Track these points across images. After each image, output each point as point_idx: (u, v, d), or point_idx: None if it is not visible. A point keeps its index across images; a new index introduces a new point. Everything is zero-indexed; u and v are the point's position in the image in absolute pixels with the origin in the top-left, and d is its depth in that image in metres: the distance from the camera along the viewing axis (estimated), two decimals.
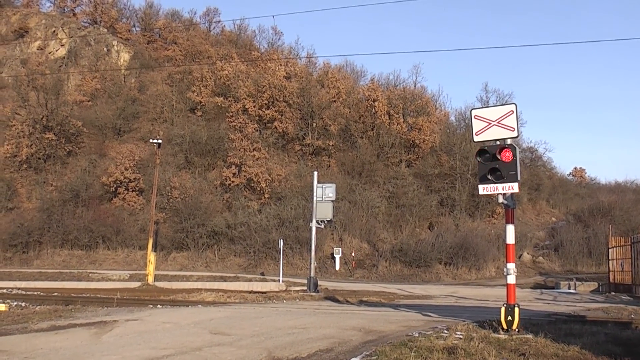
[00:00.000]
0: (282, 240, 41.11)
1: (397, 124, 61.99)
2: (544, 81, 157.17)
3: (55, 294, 31.19)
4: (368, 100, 64.63)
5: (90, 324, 15.58)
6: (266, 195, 55.02)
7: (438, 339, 11.99)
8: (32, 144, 58.45)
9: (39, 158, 59.09)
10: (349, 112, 64.44)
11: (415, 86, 71.34)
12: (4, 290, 33.42)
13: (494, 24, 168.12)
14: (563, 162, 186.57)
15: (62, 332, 14.18)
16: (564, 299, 29.50)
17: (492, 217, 56.13)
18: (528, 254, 50.62)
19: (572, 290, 36.38)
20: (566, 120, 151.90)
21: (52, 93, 62.51)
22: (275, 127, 61.78)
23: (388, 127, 61.75)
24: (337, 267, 48.58)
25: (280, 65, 69.58)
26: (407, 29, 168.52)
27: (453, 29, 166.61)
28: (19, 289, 35.93)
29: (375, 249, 50.45)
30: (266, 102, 62.63)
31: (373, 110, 62.73)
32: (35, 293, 31.43)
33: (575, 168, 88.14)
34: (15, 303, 23.25)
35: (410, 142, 61.73)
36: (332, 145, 60.98)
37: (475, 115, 13.91)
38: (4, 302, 22.42)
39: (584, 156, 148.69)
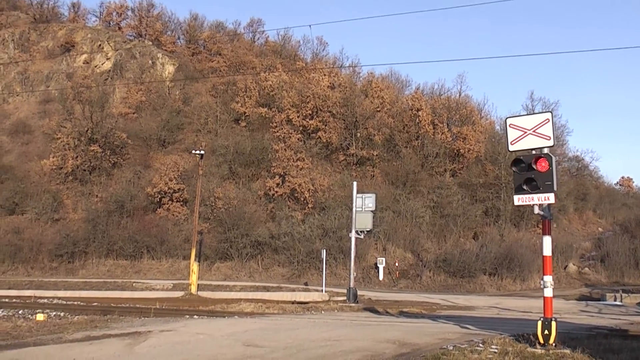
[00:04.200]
0: (325, 250, 40.80)
1: (442, 133, 61.49)
2: (591, 89, 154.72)
3: (95, 303, 31.46)
4: (412, 109, 64.16)
5: (124, 334, 15.60)
6: (310, 205, 54.82)
7: (472, 353, 11.80)
8: (77, 156, 59.31)
9: (85, 170, 59.95)
10: (393, 121, 64.07)
11: (459, 95, 70.78)
12: (45, 300, 33.85)
13: (540, 31, 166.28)
14: (610, 172, 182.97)
15: (96, 343, 14.23)
16: (609, 311, 28.91)
17: (538, 227, 54.95)
18: (574, 264, 49.71)
19: (618, 303, 35.56)
20: (613, 128, 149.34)
21: (97, 106, 63.28)
22: (319, 137, 61.56)
23: (432, 136, 61.27)
24: (381, 277, 48.25)
25: (324, 75, 69.49)
26: (452, 37, 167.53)
27: (498, 38, 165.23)
28: (59, 298, 36.37)
29: (419, 259, 50.01)
30: (310, 112, 62.63)
31: (417, 120, 62.27)
32: (75, 303, 31.71)
33: (622, 177, 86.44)
34: (54, 313, 23.46)
35: (455, 151, 61.15)
36: (376, 155, 60.66)
37: (511, 124, 13.67)
38: (43, 312, 22.62)
39: (632, 165, 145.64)
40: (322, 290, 38.79)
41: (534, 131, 13.16)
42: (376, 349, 12.93)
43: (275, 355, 12.10)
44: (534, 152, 13.21)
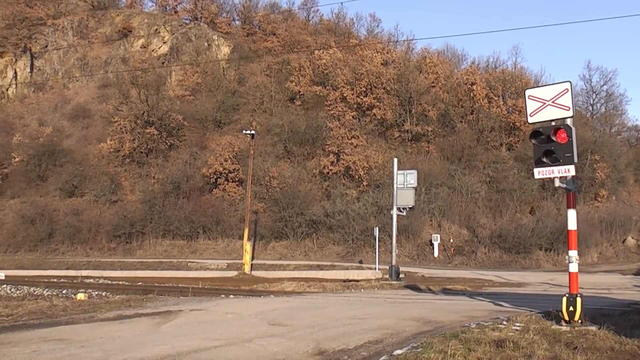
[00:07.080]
0: (377, 227, 40.36)
1: (497, 106, 60.53)
2: None
3: (140, 283, 31.95)
4: (466, 84, 63.39)
5: (155, 313, 15.81)
6: (364, 183, 54.62)
7: (493, 331, 11.60)
8: (134, 139, 60.55)
9: (141, 152, 61.15)
10: (448, 96, 63.32)
11: (515, 67, 69.61)
12: (91, 280, 34.56)
13: None
14: None
15: (126, 322, 14.45)
16: None
17: (596, 200, 54.17)
18: (632, 238, 48.44)
19: None
20: None
21: (152, 89, 64.14)
22: (374, 114, 61.26)
23: (488, 110, 60.38)
24: (436, 254, 47.91)
25: (377, 52, 68.96)
26: (506, 9, 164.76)
27: (553, 7, 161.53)
28: (105, 278, 37.13)
29: (474, 235, 49.40)
30: (364, 89, 62.30)
31: (472, 94, 61.49)
32: (120, 283, 32.27)
33: None
34: (96, 292, 23.88)
35: (511, 124, 60.04)
36: (431, 130, 60.08)
37: (530, 96, 13.29)
38: (85, 292, 23.04)
39: None
40: (375, 268, 38.63)
41: (552, 102, 12.75)
42: (398, 327, 12.83)
43: (296, 334, 12.12)
44: (553, 123, 12.85)
